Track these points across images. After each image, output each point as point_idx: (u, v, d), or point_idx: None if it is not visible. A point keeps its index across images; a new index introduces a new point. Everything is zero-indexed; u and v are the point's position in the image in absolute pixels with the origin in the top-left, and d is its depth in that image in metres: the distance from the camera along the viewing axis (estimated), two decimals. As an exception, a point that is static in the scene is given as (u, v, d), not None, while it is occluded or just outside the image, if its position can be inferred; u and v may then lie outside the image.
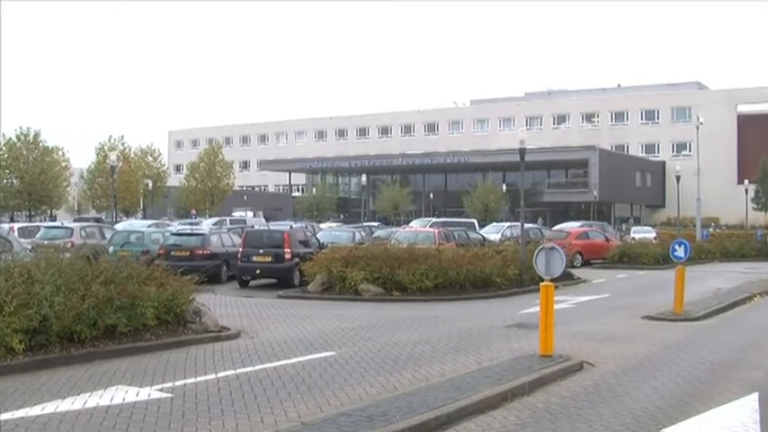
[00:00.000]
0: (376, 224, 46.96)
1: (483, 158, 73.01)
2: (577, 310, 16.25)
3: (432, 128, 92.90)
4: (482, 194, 64.09)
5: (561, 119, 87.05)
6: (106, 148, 57.39)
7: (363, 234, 30.28)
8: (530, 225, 42.52)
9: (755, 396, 8.02)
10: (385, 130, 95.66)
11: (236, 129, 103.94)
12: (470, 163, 73.68)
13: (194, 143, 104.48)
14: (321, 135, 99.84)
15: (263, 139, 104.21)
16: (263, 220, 44.70)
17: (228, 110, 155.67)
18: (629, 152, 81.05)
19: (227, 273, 22.70)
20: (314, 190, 71.01)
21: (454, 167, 77.11)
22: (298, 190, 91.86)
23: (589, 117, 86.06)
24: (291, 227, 25.94)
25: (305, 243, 23.04)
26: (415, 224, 39.67)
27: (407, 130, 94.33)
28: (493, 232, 37.75)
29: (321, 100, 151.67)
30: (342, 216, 74.90)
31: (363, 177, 61.51)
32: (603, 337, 12.26)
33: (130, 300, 10.52)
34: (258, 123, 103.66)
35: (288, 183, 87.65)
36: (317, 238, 25.09)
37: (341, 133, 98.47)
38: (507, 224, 42.15)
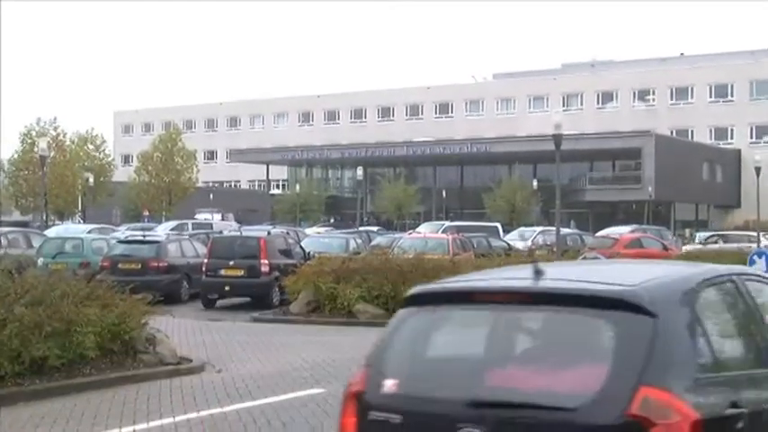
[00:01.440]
0: (375, 229, 46.96)
1: (509, 147, 73.06)
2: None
3: (444, 109, 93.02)
4: (507, 192, 64.14)
5: (607, 97, 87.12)
6: (34, 133, 57.36)
7: (359, 241, 30.34)
8: (567, 230, 42.74)
9: None
10: (386, 112, 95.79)
11: (200, 110, 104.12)
12: (493, 153, 73.75)
13: (147, 128, 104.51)
14: (306, 118, 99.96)
15: (233, 122, 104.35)
16: (234, 225, 44.73)
17: (190, 86, 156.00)
18: (695, 138, 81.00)
19: (188, 290, 22.78)
20: (297, 186, 71.10)
21: (473, 158, 77.14)
22: (277, 186, 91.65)
23: (643, 95, 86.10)
24: (269, 233, 25.95)
25: (286, 253, 23.04)
26: (424, 229, 39.71)
27: (414, 111, 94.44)
28: (521, 239, 37.73)
29: (306, 74, 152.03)
30: (332, 219, 74.76)
31: (359, 171, 61.56)
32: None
33: (65, 325, 10.48)
34: (228, 103, 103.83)
35: (265, 177, 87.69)
36: (301, 247, 25.11)
37: (331, 116, 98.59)
38: (539, 229, 42.16)
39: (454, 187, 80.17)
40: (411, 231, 39.16)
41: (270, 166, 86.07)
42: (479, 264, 20.63)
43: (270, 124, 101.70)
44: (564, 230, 38.73)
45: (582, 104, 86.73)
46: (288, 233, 29.54)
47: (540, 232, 39.85)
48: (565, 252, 23.09)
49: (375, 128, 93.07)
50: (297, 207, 67.17)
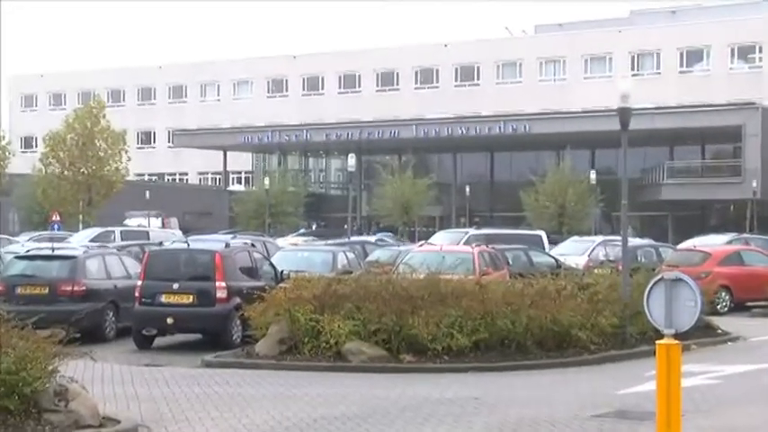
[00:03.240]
0: (373, 239, 46.89)
1: (556, 126, 73.01)
2: (723, 389, 16.22)
3: (468, 74, 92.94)
4: (555, 188, 64.15)
5: (694, 56, 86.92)
6: None
7: (351, 256, 30.37)
8: (637, 240, 42.54)
9: None
10: (388, 79, 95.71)
11: (132, 74, 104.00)
12: (534, 134, 73.71)
13: (56, 99, 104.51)
14: (279, 87, 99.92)
15: (178, 92, 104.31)
16: (179, 233, 44.75)
17: (118, 43, 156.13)
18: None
19: (115, 324, 22.80)
20: (266, 181, 71.03)
21: (507, 142, 77.12)
22: (239, 181, 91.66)
23: (744, 52, 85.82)
24: (228, 245, 25.92)
25: (250, 272, 23.05)
26: (441, 239, 39.70)
27: (427, 78, 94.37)
28: (574, 252, 37.76)
29: (278, 28, 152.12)
30: (314, 226, 74.76)
31: (351, 159, 61.24)
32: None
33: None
34: (170, 66, 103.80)
35: (222, 168, 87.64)
36: (271, 264, 25.10)
37: (312, 84, 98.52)
38: (598, 239, 42.10)
39: (482, 182, 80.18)
40: (422, 242, 39.14)
41: (228, 153, 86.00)
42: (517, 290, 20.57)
43: (228, 95, 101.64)
44: (634, 241, 38.62)
45: (658, 67, 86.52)
46: (253, 245, 29.51)
47: (601, 243, 39.78)
48: (635, 271, 23.00)
49: (373, 100, 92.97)
50: (266, 209, 67.13)
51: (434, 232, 51.40)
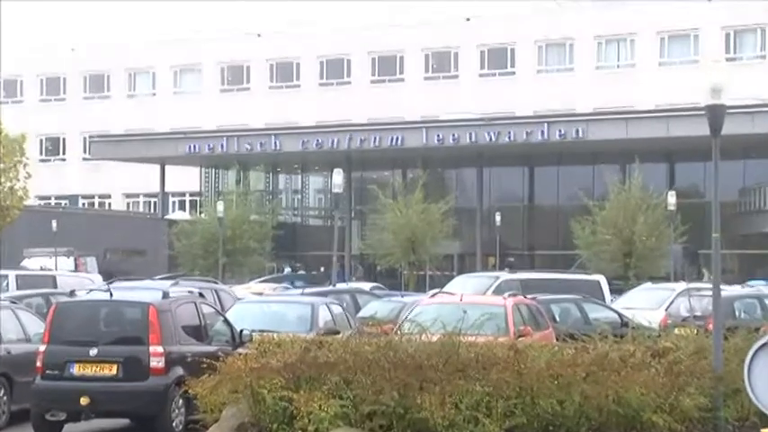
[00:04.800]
0: (367, 287, 46.84)
1: (619, 130, 72.95)
2: None
3: (498, 59, 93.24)
4: (618, 215, 64.12)
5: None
6: None
7: (337, 310, 30.33)
8: (736, 289, 42.29)
9: None
10: (388, 66, 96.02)
11: (35, 59, 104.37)
12: (590, 142, 73.82)
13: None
14: (236, 76, 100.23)
15: (96, 83, 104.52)
16: (98, 279, 44.68)
17: (15, 16, 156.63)
18: None
19: (7, 405, 22.87)
20: (220, 206, 71.03)
21: (552, 152, 77.34)
22: (182, 206, 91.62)
23: None
24: (166, 294, 25.83)
25: (198, 332, 23.09)
26: (461, 286, 39.64)
27: (441, 64, 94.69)
28: (646, 305, 37.71)
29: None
30: (286, 268, 74.70)
31: (337, 176, 61.22)
32: None
33: None
34: (87, 47, 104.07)
35: (158, 189, 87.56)
36: (226, 321, 25.07)
37: (284, 72, 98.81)
38: (680, 287, 41.98)
39: (516, 207, 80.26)
40: (435, 291, 39.11)
41: (167, 168, 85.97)
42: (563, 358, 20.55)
43: (166, 87, 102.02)
44: (730, 290, 38.44)
45: (763, 48, 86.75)
46: (201, 294, 29.44)
47: (683, 293, 39.63)
48: (731, 331, 22.92)
49: (367, 95, 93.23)
50: (219, 245, 67.12)
51: (452, 277, 51.38)
